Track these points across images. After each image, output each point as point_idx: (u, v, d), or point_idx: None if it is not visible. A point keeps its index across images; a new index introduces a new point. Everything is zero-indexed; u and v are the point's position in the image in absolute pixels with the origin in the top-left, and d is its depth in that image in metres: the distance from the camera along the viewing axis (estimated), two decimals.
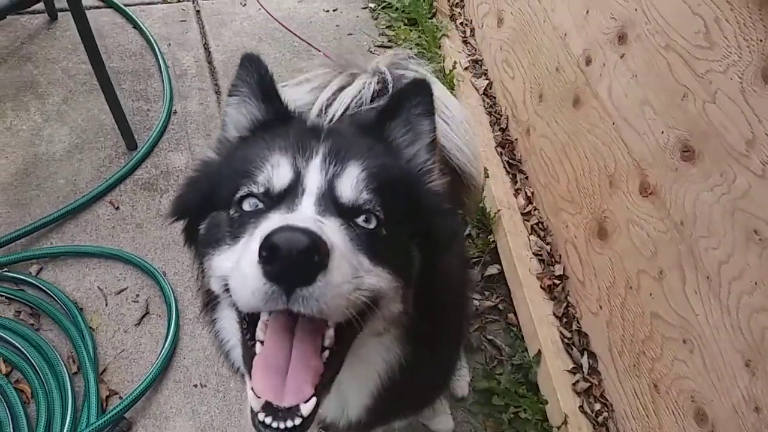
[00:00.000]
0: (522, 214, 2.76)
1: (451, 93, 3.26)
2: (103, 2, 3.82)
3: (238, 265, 0.91)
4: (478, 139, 2.59)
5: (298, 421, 0.91)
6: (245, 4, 4.03)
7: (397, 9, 3.94)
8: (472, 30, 3.64)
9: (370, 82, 1.81)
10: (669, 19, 1.83)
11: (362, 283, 0.95)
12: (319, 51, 3.70)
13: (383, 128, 1.23)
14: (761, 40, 1.47)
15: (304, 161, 1.06)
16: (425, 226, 1.15)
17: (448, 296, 1.37)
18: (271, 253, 0.82)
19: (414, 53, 2.02)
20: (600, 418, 2.16)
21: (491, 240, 2.73)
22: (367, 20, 4.01)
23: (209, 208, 1.15)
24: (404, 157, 1.23)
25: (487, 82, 3.33)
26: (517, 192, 2.85)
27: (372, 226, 1.04)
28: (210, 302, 1.20)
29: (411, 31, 3.78)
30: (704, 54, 1.67)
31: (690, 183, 1.73)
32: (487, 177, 2.80)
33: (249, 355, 1.01)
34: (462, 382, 2.28)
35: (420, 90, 1.22)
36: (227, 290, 0.99)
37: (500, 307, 2.59)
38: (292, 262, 0.82)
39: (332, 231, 0.94)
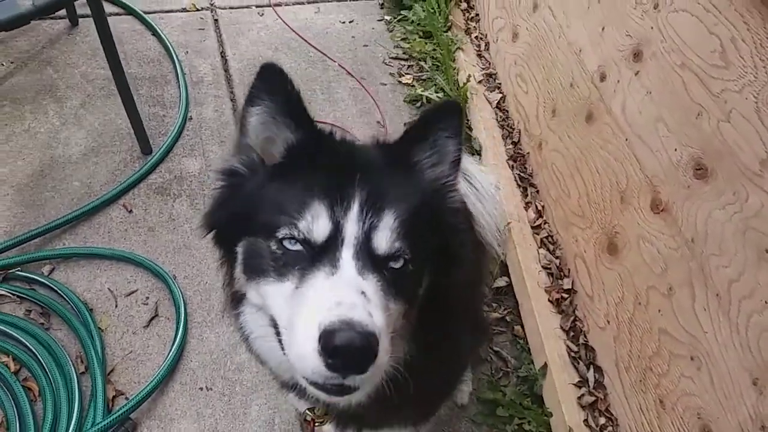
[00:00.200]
0: (532, 227, 2.76)
1: (466, 107, 3.29)
2: (124, 9, 3.88)
3: (294, 331, 1.01)
4: (504, 212, 2.64)
5: None
6: (263, 14, 4.07)
7: (412, 22, 3.97)
8: (487, 44, 3.66)
9: None
10: (685, 38, 1.83)
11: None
12: (335, 61, 3.74)
13: (410, 151, 1.24)
14: None
15: (342, 212, 1.09)
16: (443, 243, 1.19)
17: (455, 308, 1.39)
18: (333, 351, 0.94)
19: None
20: None
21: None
22: (383, 32, 4.05)
23: (243, 230, 1.18)
24: (428, 178, 1.25)
25: (500, 95, 3.34)
26: (527, 205, 2.85)
27: (399, 265, 1.11)
28: (235, 299, 1.29)
29: (426, 43, 3.80)
30: (720, 73, 1.67)
31: (702, 201, 1.73)
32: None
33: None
34: (464, 390, 2.28)
35: (449, 111, 1.24)
36: (275, 326, 1.13)
37: (507, 319, 2.59)
38: (350, 360, 0.95)
39: (372, 293, 1.02)
